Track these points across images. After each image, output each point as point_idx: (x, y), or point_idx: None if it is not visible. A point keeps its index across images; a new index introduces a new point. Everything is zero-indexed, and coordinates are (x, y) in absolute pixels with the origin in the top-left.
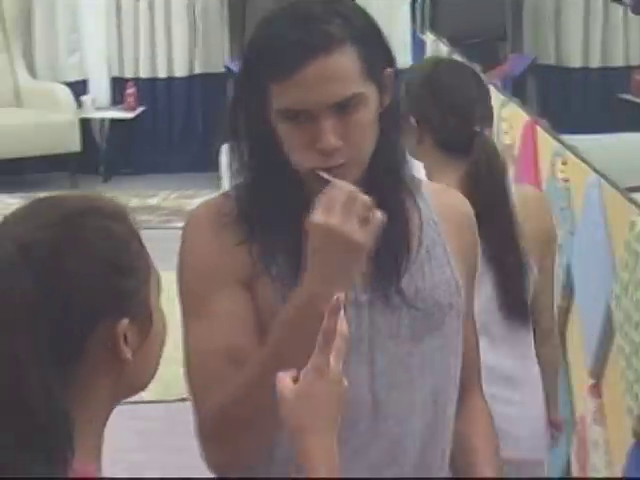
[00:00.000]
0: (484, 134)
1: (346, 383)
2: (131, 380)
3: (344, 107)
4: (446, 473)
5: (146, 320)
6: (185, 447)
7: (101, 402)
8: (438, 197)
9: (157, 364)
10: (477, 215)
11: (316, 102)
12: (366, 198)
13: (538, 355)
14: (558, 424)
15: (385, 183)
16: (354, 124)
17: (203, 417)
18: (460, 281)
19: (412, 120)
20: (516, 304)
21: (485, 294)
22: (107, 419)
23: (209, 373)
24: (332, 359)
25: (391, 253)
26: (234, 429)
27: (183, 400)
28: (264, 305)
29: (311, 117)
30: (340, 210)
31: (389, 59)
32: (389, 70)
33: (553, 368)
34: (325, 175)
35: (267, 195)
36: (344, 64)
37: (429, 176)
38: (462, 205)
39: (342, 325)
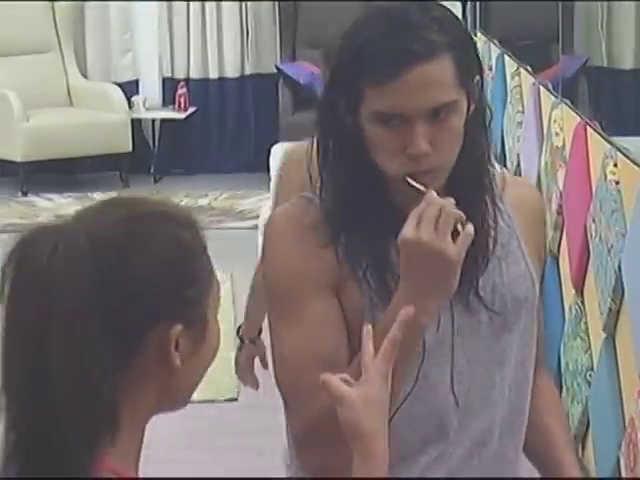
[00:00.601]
0: None
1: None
2: (176, 389)
3: (438, 113)
4: (519, 462)
5: (201, 330)
6: (234, 447)
7: (144, 406)
8: (510, 190)
9: (201, 376)
10: None
11: (413, 108)
12: (457, 212)
13: None
14: None
15: (467, 190)
16: (446, 131)
17: (299, 426)
18: (534, 274)
19: None
20: None
21: None
22: (146, 424)
23: (303, 380)
24: (392, 368)
25: (471, 258)
26: (331, 441)
27: (233, 400)
28: (351, 307)
29: (404, 121)
30: (432, 225)
31: (478, 67)
32: (477, 78)
33: None
34: (415, 184)
35: (352, 197)
36: (443, 71)
37: None
38: (534, 198)
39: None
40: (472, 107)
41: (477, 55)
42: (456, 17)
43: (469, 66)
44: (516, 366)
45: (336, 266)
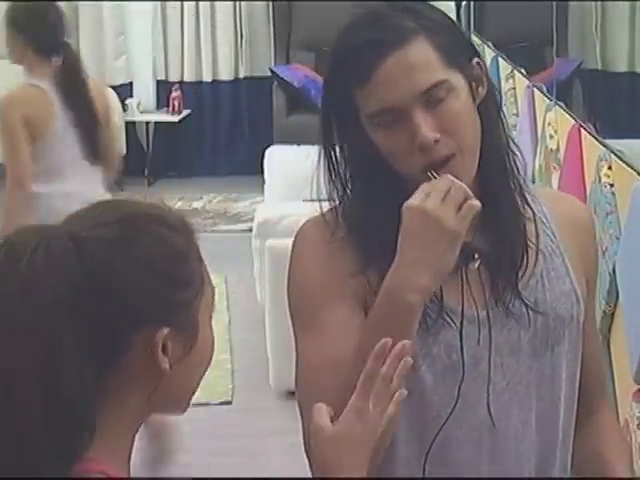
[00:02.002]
0: (69, 43)
1: (382, 427)
2: (168, 393)
3: (432, 98)
4: None
5: (191, 334)
6: (227, 450)
7: (134, 409)
8: (555, 205)
9: (197, 381)
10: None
11: (401, 96)
12: (467, 189)
13: None
14: None
15: (496, 178)
16: (447, 114)
17: (308, 429)
18: (579, 292)
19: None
20: None
21: None
22: (137, 429)
23: (319, 386)
24: (371, 403)
25: (509, 262)
26: None
27: (227, 404)
28: None
29: (402, 116)
30: (438, 195)
31: (471, 50)
32: (476, 60)
33: None
34: (435, 174)
35: (381, 223)
36: (420, 54)
37: (27, 77)
38: (581, 213)
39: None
40: (481, 91)
41: (466, 38)
42: (432, 5)
43: (454, 48)
44: (561, 387)
45: (369, 290)
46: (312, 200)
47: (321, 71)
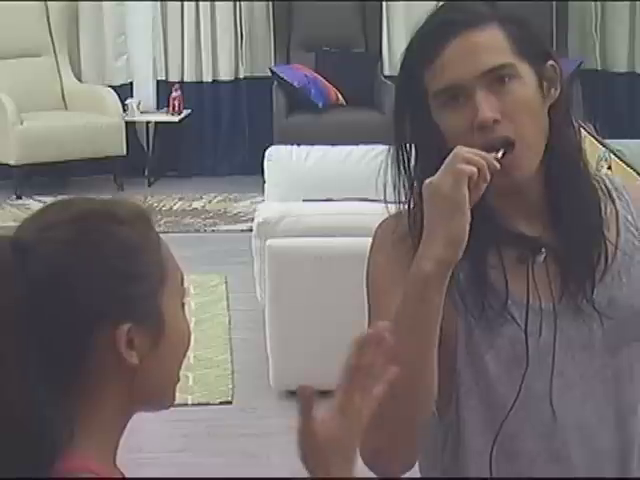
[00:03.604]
0: None
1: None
2: (146, 385)
3: (496, 79)
4: None
5: (157, 325)
6: (228, 450)
7: (112, 408)
8: None
9: (177, 369)
10: None
11: (466, 73)
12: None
13: None
14: None
15: (566, 178)
16: (510, 98)
17: None
18: None
19: None
20: None
21: None
22: (122, 427)
23: None
24: (357, 395)
25: (579, 258)
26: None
27: (227, 404)
28: (448, 329)
29: (465, 94)
30: (445, 169)
31: (547, 53)
32: (551, 63)
33: None
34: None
35: None
36: (489, 38)
37: None
38: None
39: (367, 358)
40: (554, 93)
41: (541, 40)
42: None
43: (527, 42)
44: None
45: None
46: (312, 200)
47: (321, 71)
